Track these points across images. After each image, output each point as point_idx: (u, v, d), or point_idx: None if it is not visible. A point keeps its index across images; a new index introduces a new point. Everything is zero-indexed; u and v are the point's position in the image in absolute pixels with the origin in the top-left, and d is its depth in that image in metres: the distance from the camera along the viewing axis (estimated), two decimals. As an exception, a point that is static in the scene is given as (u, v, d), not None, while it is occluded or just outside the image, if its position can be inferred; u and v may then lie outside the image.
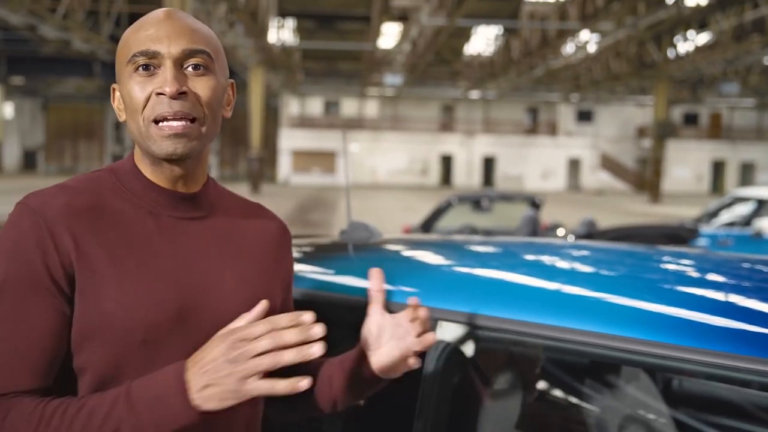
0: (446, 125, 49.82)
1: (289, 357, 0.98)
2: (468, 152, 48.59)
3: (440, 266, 1.94)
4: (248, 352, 0.98)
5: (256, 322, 1.01)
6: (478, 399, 1.74)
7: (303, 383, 0.98)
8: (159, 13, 1.16)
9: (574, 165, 49.38)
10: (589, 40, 27.52)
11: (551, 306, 1.52)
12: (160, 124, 1.11)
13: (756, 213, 10.24)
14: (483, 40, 36.11)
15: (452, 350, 1.56)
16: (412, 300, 1.23)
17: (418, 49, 31.26)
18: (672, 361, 1.32)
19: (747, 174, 49.16)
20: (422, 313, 1.22)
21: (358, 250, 2.06)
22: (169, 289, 1.12)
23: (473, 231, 7.58)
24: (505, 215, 8.95)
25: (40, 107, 49.92)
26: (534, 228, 7.48)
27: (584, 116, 50.20)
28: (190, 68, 1.13)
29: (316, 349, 0.98)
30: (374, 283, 1.25)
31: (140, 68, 1.11)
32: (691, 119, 50.24)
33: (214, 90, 1.15)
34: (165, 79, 1.10)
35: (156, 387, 1.01)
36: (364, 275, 1.80)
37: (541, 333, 1.46)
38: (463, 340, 1.57)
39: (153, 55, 1.11)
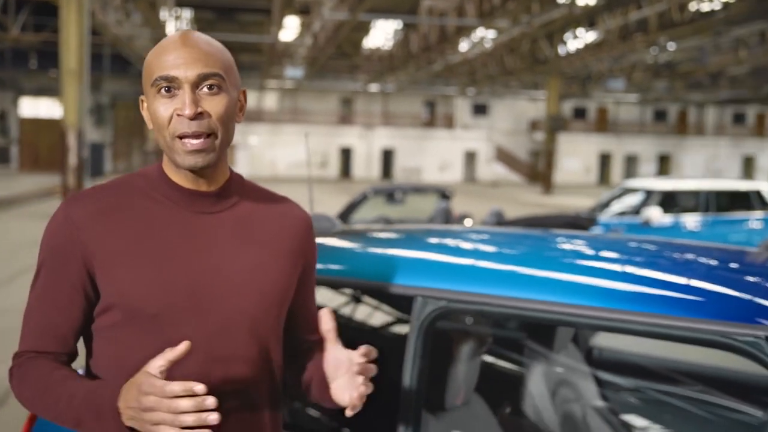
0: (346, 118, 50.01)
1: (188, 420, 1.11)
2: (367, 145, 48.98)
3: (402, 249, 2.18)
4: (148, 418, 1.14)
5: (150, 395, 1.13)
6: (451, 362, 2.01)
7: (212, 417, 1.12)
8: (177, 38, 1.34)
9: (470, 157, 50.61)
10: (485, 36, 28.30)
11: (506, 280, 1.81)
12: (183, 140, 1.30)
13: (644, 203, 10.99)
14: (382, 35, 36.47)
15: (429, 322, 1.81)
16: (362, 349, 1.28)
17: (319, 43, 31.31)
18: (587, 319, 1.65)
19: (631, 166, 51.71)
20: (371, 353, 1.29)
21: (322, 238, 2.29)
22: (181, 273, 1.32)
23: (387, 222, 7.88)
24: (416, 207, 9.29)
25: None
26: (447, 218, 7.84)
27: (480, 110, 51.50)
28: (205, 89, 1.31)
29: (213, 418, 1.12)
30: (325, 323, 1.32)
31: (162, 90, 1.30)
32: (580, 113, 52.35)
33: (227, 107, 1.33)
34: (184, 102, 1.29)
35: (100, 402, 1.23)
36: (332, 260, 2.04)
37: (496, 303, 1.75)
38: (437, 312, 1.83)
39: (172, 80, 1.29)
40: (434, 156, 49.70)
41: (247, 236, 1.40)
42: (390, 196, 8.42)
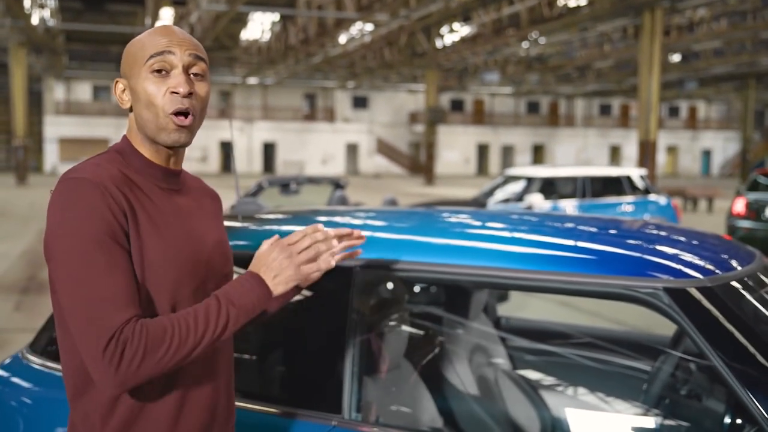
0: (224, 111, 49.25)
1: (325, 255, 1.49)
2: (248, 138, 48.45)
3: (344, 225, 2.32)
4: (296, 249, 1.46)
5: (297, 234, 1.48)
6: (384, 328, 2.17)
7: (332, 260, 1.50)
8: (164, 27, 1.46)
9: (352, 150, 50.99)
10: (364, 29, 28.60)
11: (431, 250, 1.99)
12: (177, 117, 1.41)
13: (526, 190, 11.55)
14: (260, 27, 36.13)
15: (367, 290, 1.97)
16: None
17: (196, 34, 30.70)
18: (511, 281, 1.87)
19: (507, 156, 53.58)
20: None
21: (247, 219, 2.40)
22: (180, 240, 1.43)
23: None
24: (310, 198, 9.39)
25: None
26: (345, 205, 8.00)
27: (360, 102, 51.94)
28: (193, 74, 1.44)
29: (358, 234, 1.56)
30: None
31: (155, 72, 1.41)
32: (457, 105, 53.71)
33: (208, 93, 1.48)
34: (178, 81, 1.40)
35: (242, 286, 1.41)
36: (258, 239, 2.17)
37: (427, 269, 1.93)
38: (373, 280, 1.98)
39: (168, 55, 1.40)
40: (316, 149, 49.75)
41: (200, 209, 1.55)
42: (285, 186, 8.50)
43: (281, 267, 1.44)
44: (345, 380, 1.91)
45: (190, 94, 1.41)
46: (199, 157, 46.64)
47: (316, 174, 41.96)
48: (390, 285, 2.29)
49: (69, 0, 33.75)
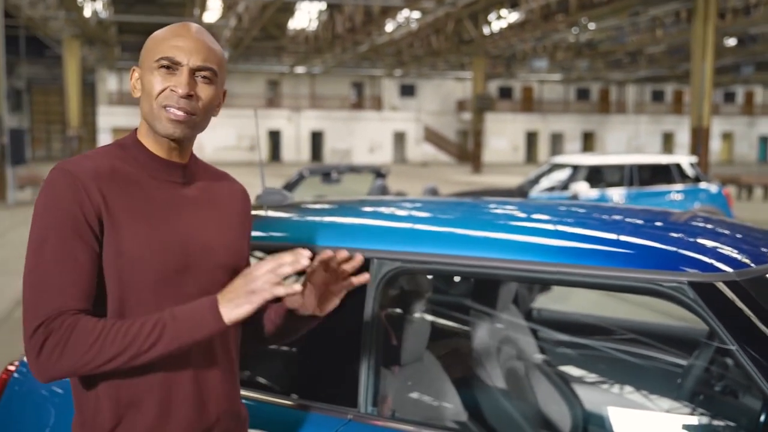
0: (273, 101, 49.62)
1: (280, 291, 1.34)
2: (295, 127, 48.74)
3: (355, 217, 2.29)
4: (256, 274, 1.35)
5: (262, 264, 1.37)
6: (404, 319, 2.13)
7: (296, 287, 1.36)
8: (186, 27, 1.48)
9: (400, 138, 50.91)
10: (410, 17, 28.43)
11: (457, 241, 1.94)
12: (168, 108, 1.43)
13: (572, 178, 11.35)
14: (307, 16, 36.22)
15: (385, 283, 1.93)
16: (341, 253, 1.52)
17: (243, 24, 30.94)
18: (531, 273, 1.81)
19: (556, 143, 52.89)
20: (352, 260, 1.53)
21: (274, 210, 2.38)
22: (174, 234, 1.44)
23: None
24: (352, 187, 9.38)
25: None
26: (384, 195, 7.97)
27: (407, 91, 51.77)
28: (200, 77, 1.46)
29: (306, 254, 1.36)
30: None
31: (163, 68, 1.44)
32: (506, 93, 53.17)
33: (212, 98, 1.49)
34: (180, 81, 1.43)
35: (194, 305, 1.36)
36: (288, 229, 2.14)
37: (446, 262, 1.88)
38: (392, 273, 1.94)
39: (176, 63, 1.44)
40: (363, 138, 49.80)
41: (210, 204, 1.55)
42: (326, 175, 8.50)
43: (236, 292, 1.36)
44: (361, 373, 1.88)
45: (189, 96, 1.44)
46: (247, 146, 47.12)
47: (364, 162, 42.08)
48: (411, 276, 2.25)
49: (121, -8, 34.30)
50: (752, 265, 1.75)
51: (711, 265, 1.70)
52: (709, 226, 2.16)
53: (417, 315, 2.19)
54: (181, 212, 1.48)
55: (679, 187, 11.81)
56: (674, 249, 1.80)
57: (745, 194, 22.70)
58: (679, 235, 1.99)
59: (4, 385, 2.27)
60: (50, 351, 1.30)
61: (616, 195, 11.37)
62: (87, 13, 28.78)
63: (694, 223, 2.19)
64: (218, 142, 46.16)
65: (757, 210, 18.09)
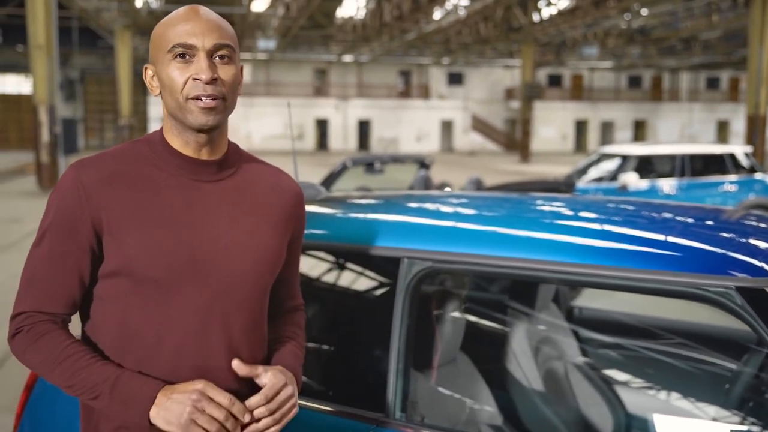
0: (320, 89, 49.73)
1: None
2: (343, 116, 48.79)
3: (387, 214, 2.22)
4: (191, 418, 1.27)
5: (219, 405, 1.29)
6: (437, 322, 2.06)
7: None
8: (189, 10, 1.40)
9: (447, 127, 50.60)
10: (459, 4, 28.16)
11: (489, 240, 1.86)
12: (198, 100, 1.36)
13: (621, 168, 11.09)
14: (354, 4, 36.16)
15: (416, 283, 1.86)
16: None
17: (291, 13, 31.00)
18: (569, 276, 1.72)
19: (607, 132, 51.98)
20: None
21: (307, 205, 2.32)
22: (183, 239, 1.37)
23: (368, 192, 7.88)
24: (395, 177, 9.31)
25: None
26: (427, 186, 7.89)
27: (455, 79, 51.38)
28: (217, 58, 1.38)
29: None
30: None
31: (178, 57, 1.36)
32: (555, 81, 52.40)
33: (235, 76, 1.41)
34: (201, 67, 1.36)
35: (134, 389, 1.31)
36: (319, 226, 2.08)
37: (480, 262, 1.80)
38: (423, 273, 1.87)
39: (190, 47, 1.36)
40: (411, 126, 49.62)
41: (244, 204, 1.45)
42: (369, 166, 8.43)
43: (173, 413, 1.28)
44: (390, 377, 1.81)
45: (214, 80, 1.36)
46: (295, 135, 47.35)
47: (410, 151, 42.01)
48: (444, 275, 2.17)
49: (171, -18, 34.68)
50: None
51: (762, 269, 1.59)
52: (763, 225, 2.04)
53: (450, 315, 2.12)
54: (204, 213, 1.40)
55: (732, 177, 11.45)
56: (722, 251, 1.69)
57: (804, 185, 21.96)
58: (729, 235, 1.87)
59: (34, 380, 2.27)
60: (18, 344, 1.39)
61: (667, 186, 11.08)
62: (138, 3, 29.16)
63: (747, 223, 2.07)
64: (266, 131, 46.50)
65: (816, 201, 17.48)
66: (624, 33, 35.57)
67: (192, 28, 1.36)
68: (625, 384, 2.73)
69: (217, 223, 1.41)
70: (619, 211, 2.21)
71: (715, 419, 2.36)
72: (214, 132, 1.42)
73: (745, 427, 2.20)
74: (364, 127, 49.51)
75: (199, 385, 1.30)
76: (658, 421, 2.51)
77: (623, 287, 1.67)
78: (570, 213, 2.17)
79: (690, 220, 2.09)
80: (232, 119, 41.03)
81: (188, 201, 1.40)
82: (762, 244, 1.77)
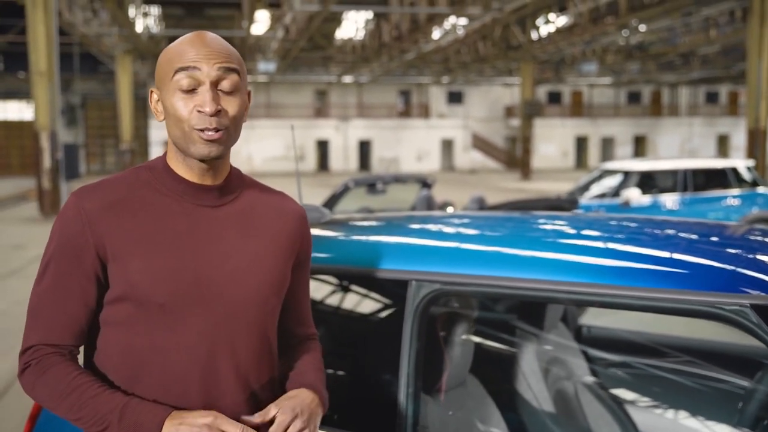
0: (320, 110, 49.88)
1: None
2: (343, 137, 48.89)
3: (393, 236, 2.21)
4: None
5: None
6: (445, 344, 2.03)
7: None
8: (195, 36, 1.39)
9: (447, 145, 50.68)
10: (457, 23, 28.30)
11: (497, 261, 1.84)
12: (203, 132, 1.35)
13: (623, 184, 11.08)
14: (354, 25, 36.39)
15: (424, 305, 1.84)
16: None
17: (291, 35, 31.17)
18: (579, 296, 1.70)
19: (607, 148, 52.03)
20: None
21: (313, 228, 2.30)
22: (187, 264, 1.35)
23: (370, 212, 7.88)
24: (397, 197, 9.30)
25: None
26: (430, 206, 7.87)
27: (455, 98, 51.54)
28: (223, 88, 1.36)
29: None
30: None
31: (183, 84, 1.34)
32: (554, 98, 52.53)
33: (241, 107, 1.40)
34: (205, 99, 1.34)
35: (142, 416, 1.29)
36: (324, 249, 2.06)
37: (489, 283, 1.78)
38: (431, 295, 1.85)
39: (194, 70, 1.34)
40: (411, 146, 49.71)
41: (247, 229, 1.44)
42: (371, 186, 8.43)
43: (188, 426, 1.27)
44: (399, 401, 1.79)
45: (218, 112, 1.35)
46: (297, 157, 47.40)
47: (412, 171, 41.89)
48: (452, 297, 2.15)
49: (171, 7, 34.90)
50: None
51: (776, 286, 1.57)
52: (750, 238, 2.02)
53: (459, 337, 2.09)
54: (207, 238, 1.39)
55: (735, 192, 11.44)
56: (734, 268, 1.67)
57: (806, 197, 21.93)
58: (739, 252, 1.85)
59: (38, 410, 2.24)
60: (27, 379, 1.37)
61: (670, 201, 11.06)
62: (139, 28, 29.36)
63: (753, 238, 2.05)
64: (266, 153, 46.57)
65: (819, 214, 17.44)
66: (622, 49, 35.71)
67: (197, 52, 1.36)
68: (635, 403, 2.69)
69: (220, 248, 1.40)
70: (625, 229, 2.19)
71: (728, 438, 2.33)
72: (217, 161, 1.41)
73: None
74: (364, 148, 49.59)
75: (209, 418, 1.28)
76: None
77: (636, 307, 1.65)
78: (579, 232, 2.15)
79: (698, 237, 2.07)
80: (233, 142, 41.63)
81: (191, 226, 1.39)
82: None
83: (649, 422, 2.56)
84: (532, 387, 2.41)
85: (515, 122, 47.97)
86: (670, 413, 2.63)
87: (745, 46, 20.96)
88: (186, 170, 1.41)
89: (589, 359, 2.79)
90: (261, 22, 29.40)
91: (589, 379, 2.69)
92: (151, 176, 1.42)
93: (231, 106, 1.37)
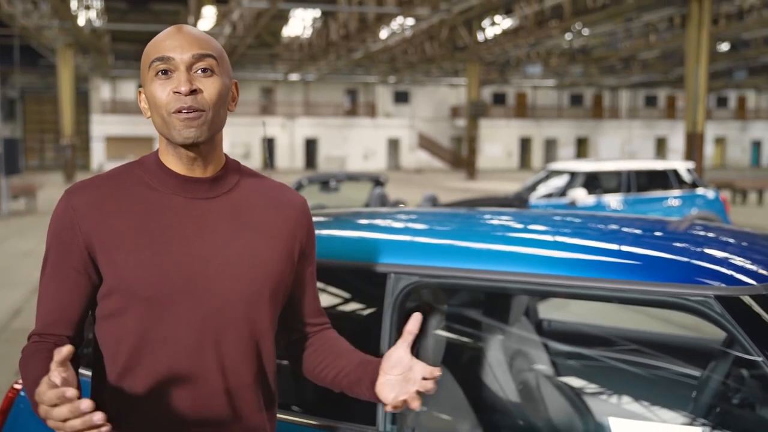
0: (267, 108, 49.56)
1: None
2: (290, 135, 48.69)
3: (370, 231, 2.26)
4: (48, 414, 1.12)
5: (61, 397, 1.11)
6: (419, 336, 2.10)
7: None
8: (172, 28, 1.42)
9: (394, 145, 50.90)
10: (404, 24, 28.46)
11: (475, 255, 1.91)
12: (179, 113, 1.36)
13: (569, 184, 11.35)
14: (301, 23, 36.24)
15: (402, 297, 1.90)
16: (431, 368, 1.36)
17: (238, 32, 30.92)
18: (553, 288, 1.79)
19: (550, 149, 52.96)
20: (437, 374, 1.36)
21: None
22: (175, 258, 1.37)
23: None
24: (349, 195, 9.35)
25: None
26: (383, 203, 7.95)
27: (401, 97, 51.80)
28: (199, 71, 1.38)
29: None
30: (412, 325, 1.39)
31: (159, 73, 1.37)
32: (499, 99, 53.22)
33: (219, 89, 1.39)
34: (180, 80, 1.36)
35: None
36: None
37: (465, 276, 1.85)
38: (409, 288, 1.91)
39: (168, 60, 1.37)
40: (358, 144, 49.77)
41: (241, 221, 1.44)
42: (324, 184, 8.47)
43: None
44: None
45: (193, 92, 1.36)
46: (242, 154, 47.01)
47: (358, 169, 41.81)
48: (427, 290, 2.22)
49: (114, 0, 34.25)
50: None
51: (734, 278, 1.69)
52: (713, 235, 2.15)
53: (432, 330, 2.17)
54: (198, 231, 1.40)
55: (676, 193, 11.82)
56: (695, 261, 1.78)
57: (740, 199, 22.75)
58: (692, 246, 1.97)
59: (10, 404, 2.24)
60: (21, 364, 1.39)
61: (614, 201, 11.37)
62: (81, 21, 28.73)
63: (701, 233, 2.18)
64: (212, 149, 45.92)
65: (752, 215, 18.13)
66: (566, 52, 36.41)
67: (171, 43, 1.38)
68: (592, 393, 2.81)
69: (211, 241, 1.40)
70: (588, 225, 2.30)
71: (682, 424, 2.45)
72: (202, 147, 1.41)
73: (710, 430, 2.29)
74: (311, 146, 49.46)
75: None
76: (627, 427, 2.59)
77: (606, 298, 1.74)
78: (547, 227, 2.25)
79: (659, 232, 2.19)
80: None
81: (181, 219, 1.40)
82: (726, 254, 1.87)
83: (606, 411, 2.67)
84: (498, 378, 2.49)
85: (461, 122, 48.45)
86: (625, 402, 2.76)
87: (683, 52, 21.59)
88: (176, 163, 1.42)
89: (550, 351, 2.89)
90: (207, 18, 29.09)
91: (550, 370, 2.79)
92: (142, 171, 1.44)
93: (207, 87, 1.37)
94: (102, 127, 44.82)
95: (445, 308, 2.45)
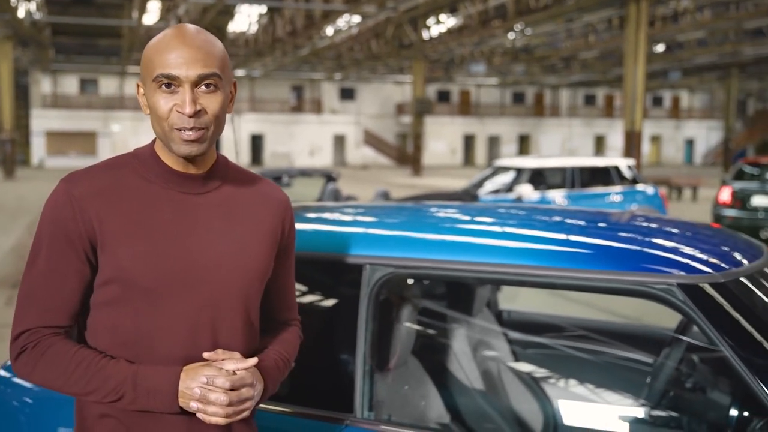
0: (212, 104, 48.89)
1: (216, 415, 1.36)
2: (235, 130, 48.19)
3: (351, 223, 2.33)
4: (205, 394, 1.36)
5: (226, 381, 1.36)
6: (392, 327, 2.18)
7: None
8: (177, 35, 1.41)
9: (340, 141, 50.86)
10: (350, 21, 28.48)
11: (448, 247, 2.00)
12: (181, 131, 1.39)
13: (516, 180, 11.58)
14: (247, 19, 35.91)
15: (378, 288, 1.98)
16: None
17: (181, 27, 30.41)
18: (521, 277, 1.89)
19: (493, 146, 53.61)
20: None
21: None
22: (173, 249, 1.42)
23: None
24: (302, 191, 9.37)
25: None
26: (337, 198, 8.00)
27: (347, 94, 51.77)
28: (203, 87, 1.40)
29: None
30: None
31: (163, 86, 1.39)
32: (444, 96, 53.64)
33: (221, 104, 1.43)
34: (184, 100, 1.37)
35: (155, 380, 1.38)
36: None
37: (442, 267, 1.94)
38: (384, 278, 1.99)
39: (173, 78, 1.38)
40: (304, 141, 49.58)
41: (231, 215, 1.50)
42: (277, 179, 8.48)
43: (189, 391, 1.37)
44: (357, 379, 1.92)
45: (197, 113, 1.38)
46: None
47: (305, 166, 41.59)
48: (401, 281, 2.30)
49: (54, -8, 33.38)
50: (728, 267, 1.86)
51: (694, 267, 1.80)
52: (663, 226, 2.28)
53: (404, 320, 2.25)
54: (192, 225, 1.45)
55: (617, 188, 12.18)
56: (656, 251, 1.90)
57: (676, 195, 23.49)
58: (648, 237, 2.09)
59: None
60: (24, 363, 1.41)
61: (558, 197, 11.64)
62: (21, 13, 27.94)
63: (650, 224, 2.30)
64: (155, 145, 45.15)
65: (687, 210, 18.73)
66: (509, 51, 36.89)
67: (176, 58, 1.37)
68: (551, 380, 2.93)
69: (204, 235, 1.46)
70: (551, 217, 2.41)
71: (638, 407, 2.59)
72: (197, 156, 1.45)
73: (665, 413, 2.43)
74: (257, 142, 49.07)
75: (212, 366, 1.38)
76: (584, 411, 2.72)
77: (574, 287, 1.85)
78: (514, 220, 2.35)
79: (609, 224, 2.31)
80: (120, 134, 38.96)
81: (177, 213, 1.44)
82: (682, 245, 2.00)
83: (565, 397, 2.80)
84: (464, 367, 2.59)
85: (406, 119, 48.68)
86: (582, 389, 2.88)
87: (621, 52, 22.10)
88: (171, 159, 1.46)
89: (510, 341, 3.01)
90: (152, 12, 28.60)
91: (510, 358, 2.90)
92: (138, 163, 1.47)
93: (211, 103, 1.39)
94: (42, 121, 43.64)
95: (416, 301, 2.54)
